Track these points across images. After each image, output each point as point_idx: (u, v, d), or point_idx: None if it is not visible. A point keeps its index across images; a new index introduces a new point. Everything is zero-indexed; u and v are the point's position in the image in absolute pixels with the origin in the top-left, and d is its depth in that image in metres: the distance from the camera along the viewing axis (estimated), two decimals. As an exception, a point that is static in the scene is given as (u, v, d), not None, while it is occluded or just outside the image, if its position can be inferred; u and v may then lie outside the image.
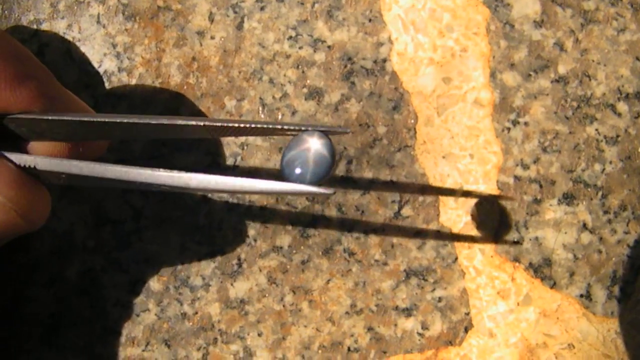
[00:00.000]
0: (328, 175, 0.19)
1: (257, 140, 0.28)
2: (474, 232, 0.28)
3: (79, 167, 0.22)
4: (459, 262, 0.28)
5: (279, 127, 0.20)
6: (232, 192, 0.21)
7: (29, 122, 0.22)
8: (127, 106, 0.28)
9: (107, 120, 0.22)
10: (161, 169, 0.21)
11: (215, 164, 0.28)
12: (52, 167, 0.22)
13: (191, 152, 0.28)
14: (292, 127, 0.20)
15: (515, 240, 0.28)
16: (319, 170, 0.18)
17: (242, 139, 0.28)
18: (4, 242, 0.22)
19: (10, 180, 0.21)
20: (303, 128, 0.20)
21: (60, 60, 0.28)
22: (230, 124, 0.21)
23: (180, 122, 0.21)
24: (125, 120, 0.21)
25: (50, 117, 0.22)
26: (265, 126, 0.20)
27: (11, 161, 0.22)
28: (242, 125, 0.21)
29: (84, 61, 0.28)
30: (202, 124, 0.21)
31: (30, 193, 0.22)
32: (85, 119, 0.22)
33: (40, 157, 0.22)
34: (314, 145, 0.19)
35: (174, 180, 0.21)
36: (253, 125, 0.20)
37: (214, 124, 0.21)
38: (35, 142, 0.23)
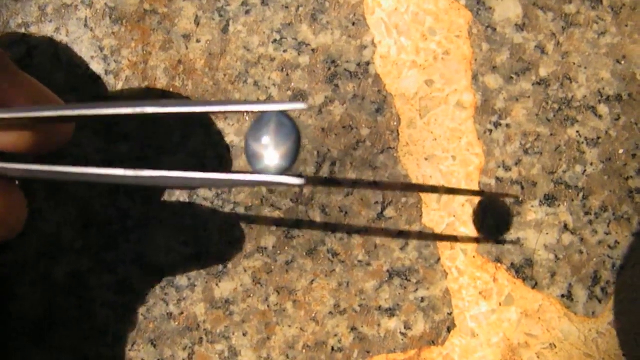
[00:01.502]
0: (293, 163, 0.18)
1: (243, 143, 0.28)
2: (457, 233, 0.28)
3: (51, 173, 0.20)
4: (441, 262, 0.28)
5: (236, 109, 0.19)
6: (203, 185, 0.20)
7: None
8: (114, 108, 0.28)
9: (62, 114, 0.20)
10: (129, 169, 0.19)
11: (201, 166, 0.28)
12: (20, 175, 0.20)
13: (177, 154, 0.28)
14: (247, 109, 0.19)
15: (497, 241, 0.28)
16: (285, 143, 0.17)
17: (229, 139, 0.28)
18: None
19: None
20: (261, 109, 0.18)
21: (48, 63, 0.28)
22: (190, 108, 0.19)
23: (146, 109, 0.19)
24: (81, 113, 0.20)
25: (4, 116, 0.20)
26: (226, 108, 0.19)
27: None
28: (201, 108, 0.19)
29: (72, 64, 0.28)
30: (165, 110, 0.19)
31: (5, 198, 0.21)
32: (43, 113, 0.20)
33: (9, 164, 0.20)
34: (276, 144, 0.17)
35: (140, 180, 0.19)
36: (211, 108, 0.19)
37: (164, 110, 0.19)
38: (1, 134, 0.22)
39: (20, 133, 0.22)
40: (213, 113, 0.22)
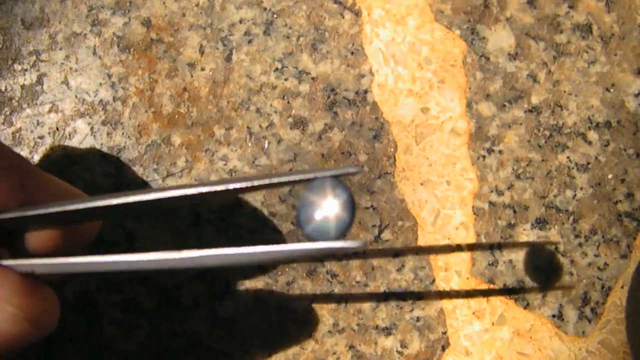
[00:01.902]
0: (350, 227, 0.17)
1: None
2: (451, 255, 0.29)
3: (74, 266, 0.19)
4: (436, 283, 0.29)
5: (289, 179, 0.18)
6: (261, 262, 0.18)
7: (14, 220, 0.20)
8: (122, 134, 0.29)
9: (87, 206, 0.19)
10: (168, 252, 0.18)
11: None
12: (49, 270, 0.20)
13: (182, 178, 0.29)
14: (300, 178, 0.17)
15: (490, 262, 0.29)
16: (341, 230, 0.16)
17: (232, 164, 0.29)
18: (12, 355, 0.20)
19: (18, 289, 0.19)
20: (312, 176, 0.17)
21: (58, 90, 0.29)
22: (227, 187, 0.18)
23: (170, 194, 0.18)
24: (106, 203, 0.19)
25: (30, 213, 0.20)
26: (273, 181, 0.18)
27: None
28: (240, 186, 0.18)
29: (81, 90, 0.29)
30: (193, 192, 0.18)
31: (39, 299, 0.20)
32: (66, 208, 0.19)
33: (35, 260, 0.20)
34: (331, 207, 0.17)
35: (183, 262, 0.18)
36: (261, 183, 0.18)
37: (207, 189, 0.18)
38: (29, 234, 0.22)
39: (48, 232, 0.22)
40: (264, 188, 0.20)
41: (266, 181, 0.18)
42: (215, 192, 0.18)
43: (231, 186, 0.18)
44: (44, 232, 0.22)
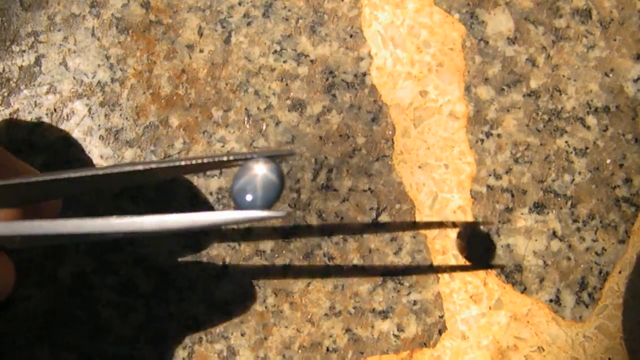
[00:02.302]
0: (278, 197, 0.19)
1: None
2: (448, 238, 0.28)
3: (33, 227, 0.20)
4: (433, 267, 0.28)
5: (225, 159, 0.19)
6: (189, 229, 0.20)
7: None
8: (120, 115, 0.29)
9: (51, 178, 0.20)
10: (113, 217, 0.19)
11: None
12: (6, 232, 0.20)
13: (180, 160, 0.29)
14: (238, 158, 0.19)
15: (488, 247, 0.28)
16: (268, 194, 0.18)
17: (230, 146, 0.29)
18: None
19: None
20: (249, 157, 0.19)
21: (56, 71, 0.29)
22: (176, 164, 0.20)
23: (125, 169, 0.20)
24: (69, 176, 0.20)
25: None
26: (212, 160, 0.19)
27: None
28: (188, 163, 0.20)
29: (79, 72, 0.29)
30: (146, 167, 0.20)
31: None
32: (32, 180, 0.20)
33: None
34: (261, 171, 0.18)
35: (127, 226, 0.19)
36: (199, 161, 0.19)
37: (159, 166, 0.20)
38: None
39: (7, 211, 0.22)
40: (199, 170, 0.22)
41: (209, 160, 0.19)
42: (167, 167, 0.20)
43: (182, 163, 0.20)
44: (5, 211, 0.22)
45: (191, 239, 0.28)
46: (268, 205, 0.19)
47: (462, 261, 0.28)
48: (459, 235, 0.28)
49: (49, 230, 0.20)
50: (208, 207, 0.28)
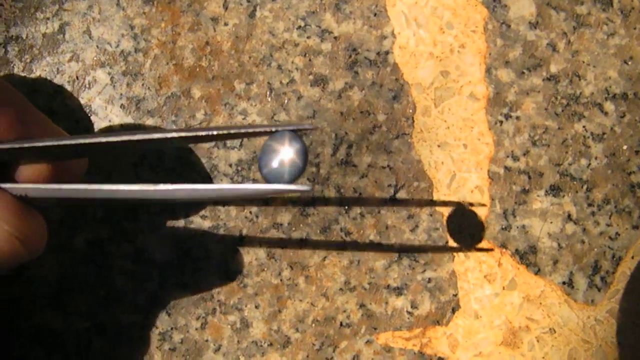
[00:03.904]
0: (302, 174, 0.19)
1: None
2: (465, 217, 0.28)
3: (68, 191, 0.21)
4: (449, 245, 0.28)
5: (250, 130, 0.20)
6: (219, 198, 0.21)
7: (10, 150, 0.21)
8: (142, 85, 0.29)
9: (81, 142, 0.21)
10: (145, 184, 0.20)
11: (222, 142, 0.29)
12: (41, 194, 0.21)
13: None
14: (261, 130, 0.20)
15: (503, 227, 0.28)
16: (294, 173, 0.19)
17: (251, 119, 0.29)
18: (4, 273, 0.21)
19: (13, 210, 0.21)
20: (273, 129, 0.19)
21: (80, 39, 0.29)
22: (201, 133, 0.20)
23: (150, 136, 0.20)
24: (97, 140, 0.21)
25: (27, 145, 0.21)
26: (235, 131, 0.20)
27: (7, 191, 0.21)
28: (213, 132, 0.20)
29: (103, 41, 0.29)
30: (171, 135, 0.20)
31: (30, 221, 0.21)
32: (62, 142, 0.21)
33: (30, 185, 0.21)
34: (287, 155, 0.19)
35: (157, 194, 0.20)
36: (224, 132, 0.20)
37: (185, 134, 0.20)
38: (21, 166, 0.22)
39: (40, 166, 0.23)
40: (225, 138, 0.23)
41: (230, 131, 0.20)
42: (187, 137, 0.20)
43: (202, 133, 0.20)
44: (36, 166, 0.23)
45: (209, 210, 0.28)
46: (293, 180, 0.19)
47: (477, 240, 0.28)
48: (475, 215, 0.28)
49: (86, 194, 0.20)
50: (228, 179, 0.28)
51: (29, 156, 0.22)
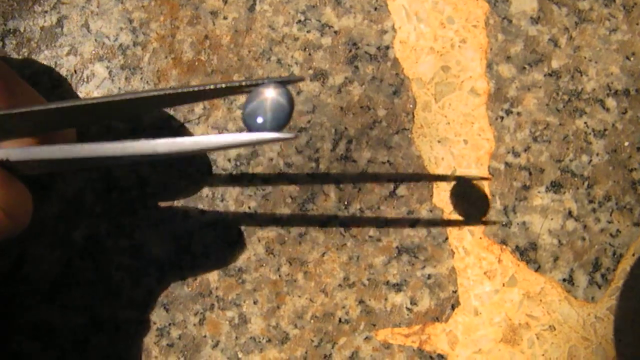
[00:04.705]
0: (287, 120, 0.19)
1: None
2: (465, 214, 0.28)
3: (49, 151, 0.20)
4: (449, 242, 0.28)
5: (237, 84, 0.19)
6: (200, 151, 0.20)
7: None
8: (140, 79, 0.29)
9: (68, 105, 0.20)
10: (128, 140, 0.20)
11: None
12: (24, 156, 0.20)
13: (199, 125, 0.28)
14: (250, 83, 0.19)
15: (504, 223, 0.28)
16: (277, 115, 0.18)
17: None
18: None
19: None
20: (260, 82, 0.19)
21: (78, 33, 0.29)
22: (187, 90, 0.19)
23: (137, 96, 0.20)
24: (84, 103, 0.20)
25: (15, 111, 0.20)
26: (223, 86, 0.19)
27: None
28: (200, 89, 0.19)
29: (101, 34, 0.29)
30: (158, 93, 0.19)
31: (14, 191, 0.20)
32: (51, 106, 0.20)
33: (11, 148, 0.20)
34: (270, 94, 0.18)
35: (142, 149, 0.19)
36: (211, 87, 0.19)
37: (170, 92, 0.19)
38: (6, 141, 0.22)
39: (26, 140, 0.22)
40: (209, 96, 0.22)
41: (216, 86, 0.19)
42: (180, 93, 0.20)
43: (186, 90, 0.19)
44: (21, 140, 0.22)
45: (207, 205, 0.28)
46: (278, 128, 0.19)
47: (477, 237, 0.28)
48: (476, 211, 0.28)
49: (66, 154, 0.20)
50: (227, 174, 0.28)
51: (14, 128, 0.21)
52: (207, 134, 0.19)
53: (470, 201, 0.28)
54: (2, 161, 0.20)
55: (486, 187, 0.28)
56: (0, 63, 0.22)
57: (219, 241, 0.27)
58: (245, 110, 0.19)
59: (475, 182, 0.28)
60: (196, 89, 0.19)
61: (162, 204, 0.28)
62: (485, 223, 0.28)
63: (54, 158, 0.20)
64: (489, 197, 0.28)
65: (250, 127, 0.19)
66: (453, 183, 0.28)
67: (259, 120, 0.18)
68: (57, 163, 0.21)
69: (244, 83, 0.19)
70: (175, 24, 0.28)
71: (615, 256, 0.28)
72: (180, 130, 0.28)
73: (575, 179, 0.28)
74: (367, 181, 0.28)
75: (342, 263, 0.27)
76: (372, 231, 0.27)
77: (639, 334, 0.27)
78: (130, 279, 0.27)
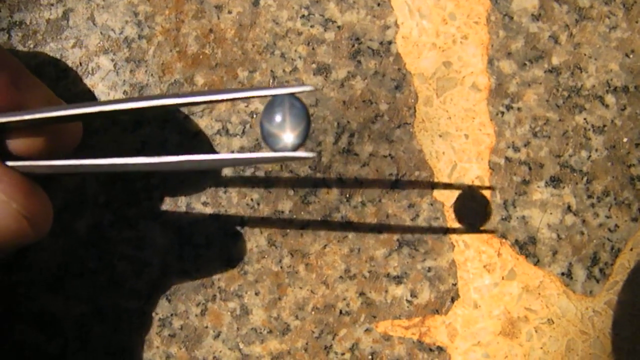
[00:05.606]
0: (305, 140, 0.19)
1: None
2: (465, 207, 0.28)
3: (68, 167, 0.20)
4: (449, 235, 0.27)
5: (242, 96, 0.19)
6: (225, 166, 0.20)
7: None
8: (145, 72, 0.29)
9: (75, 112, 0.20)
10: (155, 156, 0.20)
11: (224, 130, 0.29)
12: (48, 171, 0.21)
13: (202, 117, 0.29)
14: (259, 94, 0.19)
15: (503, 217, 0.28)
16: (297, 139, 0.18)
17: (253, 107, 0.28)
18: (9, 252, 0.20)
19: (21, 188, 0.20)
20: (271, 93, 0.19)
21: (84, 25, 0.29)
22: (198, 98, 0.19)
23: (149, 103, 0.20)
24: (90, 110, 0.20)
25: (22, 117, 0.20)
26: (228, 96, 0.19)
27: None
28: (212, 98, 0.20)
29: (106, 27, 0.29)
30: (171, 102, 0.19)
31: (37, 199, 0.20)
32: (57, 113, 0.20)
33: (39, 162, 0.20)
34: (289, 123, 0.18)
35: (169, 165, 0.20)
36: (223, 97, 0.19)
37: (181, 100, 0.19)
38: (14, 139, 0.22)
39: (33, 137, 0.22)
40: (225, 101, 0.22)
41: (226, 96, 0.19)
42: (182, 103, 0.20)
43: (199, 99, 0.19)
44: (30, 138, 0.22)
45: (210, 196, 0.28)
46: (297, 147, 0.19)
47: (477, 231, 0.28)
48: (475, 205, 0.28)
49: (94, 169, 0.20)
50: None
51: (22, 124, 0.21)
52: (224, 148, 0.20)
53: (471, 195, 0.28)
54: (27, 173, 0.21)
55: (487, 181, 0.28)
56: (7, 56, 0.22)
57: (222, 232, 0.28)
58: (267, 140, 0.19)
59: (475, 176, 0.28)
60: (207, 97, 0.19)
61: (166, 195, 0.28)
62: (485, 217, 0.28)
63: (80, 172, 0.21)
64: (489, 191, 0.28)
65: (270, 146, 0.19)
66: (454, 177, 0.28)
67: (281, 143, 0.18)
68: (77, 170, 0.21)
69: (255, 94, 0.19)
70: (180, 17, 0.28)
71: (614, 251, 0.28)
72: (185, 122, 0.28)
73: (575, 174, 0.28)
74: (369, 174, 0.28)
75: (343, 255, 0.28)
76: (373, 224, 0.28)
77: (637, 328, 0.27)
78: (132, 270, 0.28)
